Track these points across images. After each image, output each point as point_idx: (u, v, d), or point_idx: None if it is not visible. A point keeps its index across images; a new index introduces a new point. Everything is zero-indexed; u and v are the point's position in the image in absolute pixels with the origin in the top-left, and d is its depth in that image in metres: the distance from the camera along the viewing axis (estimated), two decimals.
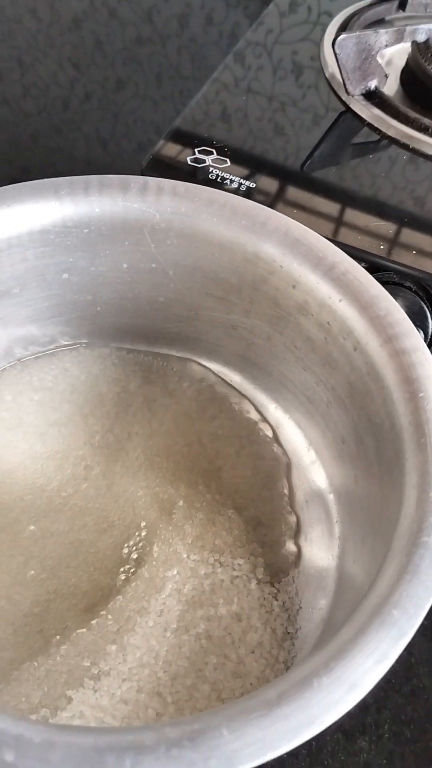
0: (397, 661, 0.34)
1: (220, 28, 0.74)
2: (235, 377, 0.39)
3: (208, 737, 0.19)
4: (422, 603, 0.22)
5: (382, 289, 0.30)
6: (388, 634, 0.22)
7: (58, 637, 0.28)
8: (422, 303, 0.36)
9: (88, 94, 0.70)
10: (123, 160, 0.64)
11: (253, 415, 0.38)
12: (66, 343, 0.38)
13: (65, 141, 0.66)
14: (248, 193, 0.38)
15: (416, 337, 0.29)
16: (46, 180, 0.31)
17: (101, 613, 0.29)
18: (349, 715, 0.32)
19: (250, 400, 0.38)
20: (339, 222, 0.38)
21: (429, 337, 0.37)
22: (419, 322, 0.36)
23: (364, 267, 0.37)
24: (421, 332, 0.36)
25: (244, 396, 0.38)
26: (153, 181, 0.31)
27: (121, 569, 0.31)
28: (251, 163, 0.40)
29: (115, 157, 0.64)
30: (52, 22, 0.75)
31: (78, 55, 0.73)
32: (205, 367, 0.39)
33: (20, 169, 0.64)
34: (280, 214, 0.32)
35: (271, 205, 0.38)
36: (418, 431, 0.26)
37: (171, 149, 0.40)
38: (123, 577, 0.30)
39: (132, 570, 0.31)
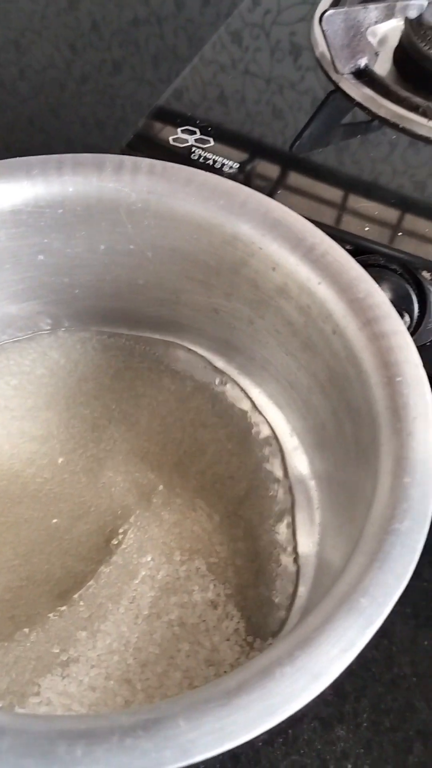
0: (378, 650, 0.34)
1: (217, 9, 0.73)
2: (218, 362, 0.38)
3: (164, 727, 0.19)
4: (392, 591, 0.22)
5: (363, 270, 0.29)
6: (355, 622, 0.21)
7: (28, 624, 0.28)
8: (408, 286, 0.35)
9: (85, 76, 0.69)
10: (120, 143, 0.63)
11: (237, 401, 0.37)
12: (46, 327, 0.37)
13: (62, 124, 0.65)
14: (233, 174, 0.37)
15: (396, 320, 0.28)
16: (18, 159, 0.30)
17: (73, 599, 0.29)
18: (327, 704, 0.32)
19: (233, 385, 0.38)
20: (326, 203, 0.37)
21: (414, 320, 0.36)
22: (405, 305, 0.36)
23: (349, 249, 0.36)
24: (407, 316, 0.36)
25: (227, 381, 0.38)
26: (129, 160, 0.30)
27: (96, 556, 0.30)
28: (236, 143, 0.39)
29: (111, 140, 0.64)
30: (48, 3, 0.74)
31: (74, 37, 0.72)
32: (188, 350, 0.38)
33: (16, 152, 0.63)
34: (260, 195, 0.31)
35: (257, 187, 0.37)
36: (395, 416, 0.26)
37: (153, 128, 0.39)
38: (97, 564, 0.30)
39: (106, 556, 0.30)
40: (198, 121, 0.40)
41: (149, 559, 0.30)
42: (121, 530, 0.31)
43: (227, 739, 0.19)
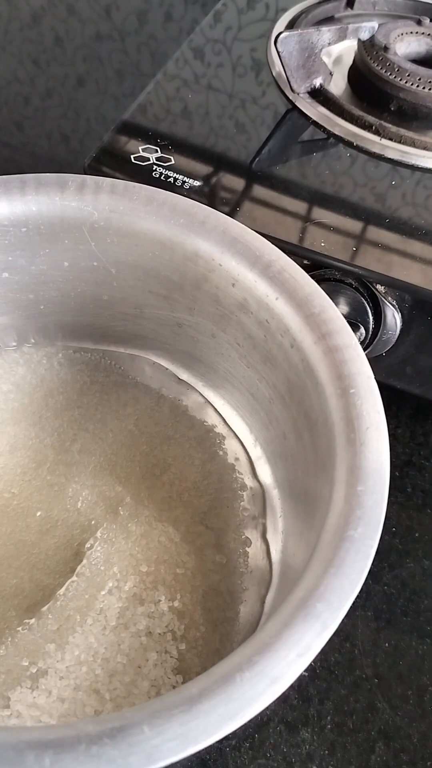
0: (340, 652, 0.35)
1: (179, 25, 0.74)
2: (183, 374, 0.39)
3: (129, 734, 0.19)
4: (346, 596, 0.23)
5: (317, 287, 0.30)
6: (311, 627, 0.22)
7: None
8: (363, 299, 0.36)
9: (49, 90, 0.70)
10: (85, 157, 0.63)
11: (202, 412, 0.38)
12: (12, 343, 0.37)
13: (27, 138, 0.66)
14: (194, 192, 0.38)
15: (349, 334, 0.29)
16: None
17: (42, 612, 0.29)
18: (292, 707, 0.33)
19: (198, 397, 0.38)
20: (284, 219, 0.38)
21: (370, 332, 0.37)
22: (360, 318, 0.37)
23: (307, 264, 0.37)
24: (362, 328, 0.37)
25: (192, 393, 0.39)
26: (91, 180, 0.31)
27: (64, 569, 0.31)
28: (197, 160, 0.40)
29: (77, 154, 0.64)
30: (10, 17, 0.74)
31: (38, 52, 0.73)
32: (153, 364, 0.39)
33: None
34: (219, 213, 0.32)
35: (218, 204, 0.38)
36: (349, 426, 0.27)
37: (116, 145, 0.40)
38: (65, 577, 0.30)
39: (74, 569, 0.31)
40: (159, 140, 0.41)
41: (116, 570, 0.31)
42: (88, 543, 0.31)
43: (190, 744, 0.19)
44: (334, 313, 0.29)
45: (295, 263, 0.31)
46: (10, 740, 0.19)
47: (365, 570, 0.23)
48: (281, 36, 0.40)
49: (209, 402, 0.38)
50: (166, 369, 0.39)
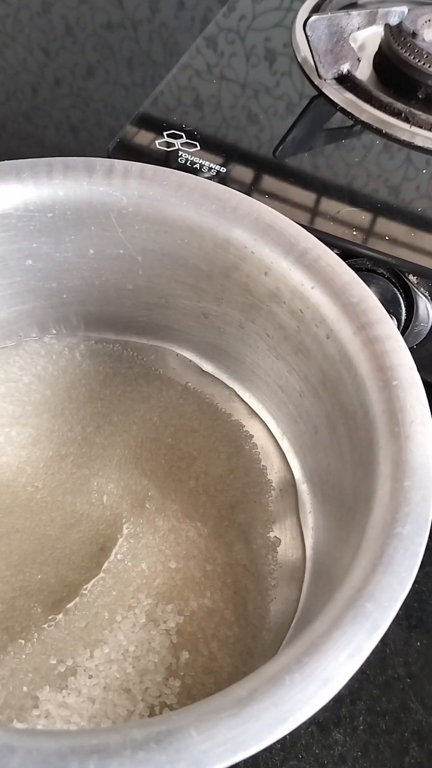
0: (372, 653, 0.34)
1: (191, 13, 0.73)
2: (207, 366, 0.38)
3: (176, 738, 0.18)
4: (396, 595, 0.22)
5: (355, 275, 0.30)
6: (362, 627, 0.21)
7: (23, 635, 0.27)
8: (395, 290, 0.36)
9: (58, 80, 0.68)
10: (94, 148, 0.62)
11: (227, 405, 0.37)
12: (33, 334, 0.36)
13: (35, 128, 0.65)
14: (219, 179, 0.37)
15: (389, 325, 0.28)
16: (6, 162, 0.29)
17: (68, 609, 0.28)
18: (324, 708, 0.32)
19: (223, 389, 0.37)
20: (312, 208, 0.37)
21: (402, 323, 0.36)
22: (392, 309, 0.36)
23: (337, 253, 0.36)
24: (394, 319, 0.36)
25: (217, 385, 0.38)
26: (120, 164, 0.30)
27: (89, 564, 0.30)
28: (222, 148, 0.39)
29: (86, 145, 0.63)
30: (20, 6, 0.73)
31: (47, 40, 0.72)
32: (177, 355, 0.38)
33: None
34: (252, 199, 0.31)
35: (242, 191, 0.37)
36: (392, 420, 0.26)
37: (139, 133, 0.39)
38: (91, 573, 0.29)
39: (100, 565, 0.30)
40: (184, 125, 0.40)
41: (144, 567, 0.30)
42: (114, 538, 0.31)
43: (240, 749, 0.19)
44: (373, 302, 0.28)
45: (331, 251, 0.30)
46: (53, 746, 0.18)
47: (415, 568, 0.22)
48: (311, 19, 0.39)
49: (235, 394, 0.37)
50: (190, 361, 0.38)
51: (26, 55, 0.70)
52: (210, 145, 0.39)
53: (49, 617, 0.28)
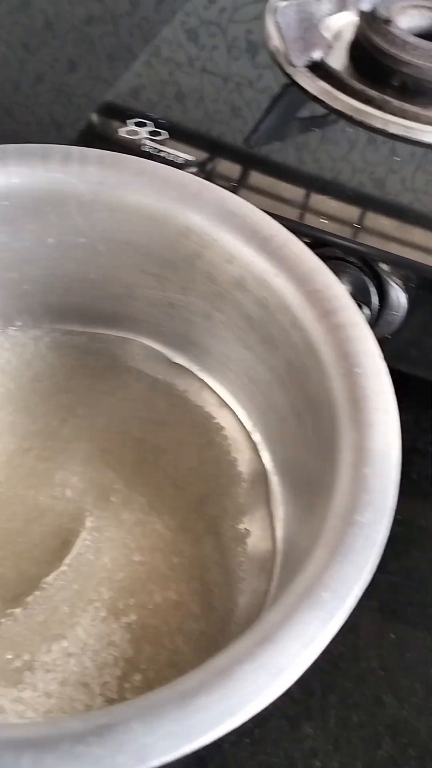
0: (345, 645, 0.34)
1: (172, 6, 0.72)
2: (176, 357, 0.37)
3: (118, 732, 0.18)
4: (353, 584, 0.21)
5: (320, 262, 0.29)
6: (316, 616, 0.21)
7: None
8: (366, 279, 0.35)
9: (40, 75, 0.68)
10: (79, 144, 0.62)
11: (197, 397, 0.37)
12: None
13: (18, 125, 0.64)
14: (187, 168, 0.37)
15: (354, 312, 0.28)
16: None
17: (27, 603, 0.28)
18: (294, 701, 0.32)
19: (193, 381, 0.37)
20: (283, 197, 0.37)
21: (374, 313, 0.36)
22: (364, 298, 0.35)
23: (307, 242, 0.36)
24: (366, 308, 0.36)
25: (187, 377, 0.37)
26: (77, 150, 0.30)
27: (51, 558, 0.29)
28: (191, 137, 0.39)
29: (69, 141, 0.62)
30: None
31: (27, 35, 0.71)
32: (145, 347, 0.37)
33: None
34: (215, 186, 0.31)
35: (212, 180, 0.37)
36: (354, 408, 0.25)
37: (103, 121, 0.38)
38: (52, 567, 0.29)
39: (62, 558, 0.29)
40: (151, 114, 0.39)
41: (107, 560, 0.29)
42: (77, 531, 0.30)
43: (185, 742, 0.18)
44: (338, 289, 0.28)
45: (296, 238, 0.29)
46: None
47: (374, 557, 0.22)
48: (280, 6, 0.38)
49: (206, 385, 0.37)
50: (159, 352, 0.37)
51: (5, 50, 0.69)
52: (179, 133, 0.39)
53: (7, 611, 0.27)
